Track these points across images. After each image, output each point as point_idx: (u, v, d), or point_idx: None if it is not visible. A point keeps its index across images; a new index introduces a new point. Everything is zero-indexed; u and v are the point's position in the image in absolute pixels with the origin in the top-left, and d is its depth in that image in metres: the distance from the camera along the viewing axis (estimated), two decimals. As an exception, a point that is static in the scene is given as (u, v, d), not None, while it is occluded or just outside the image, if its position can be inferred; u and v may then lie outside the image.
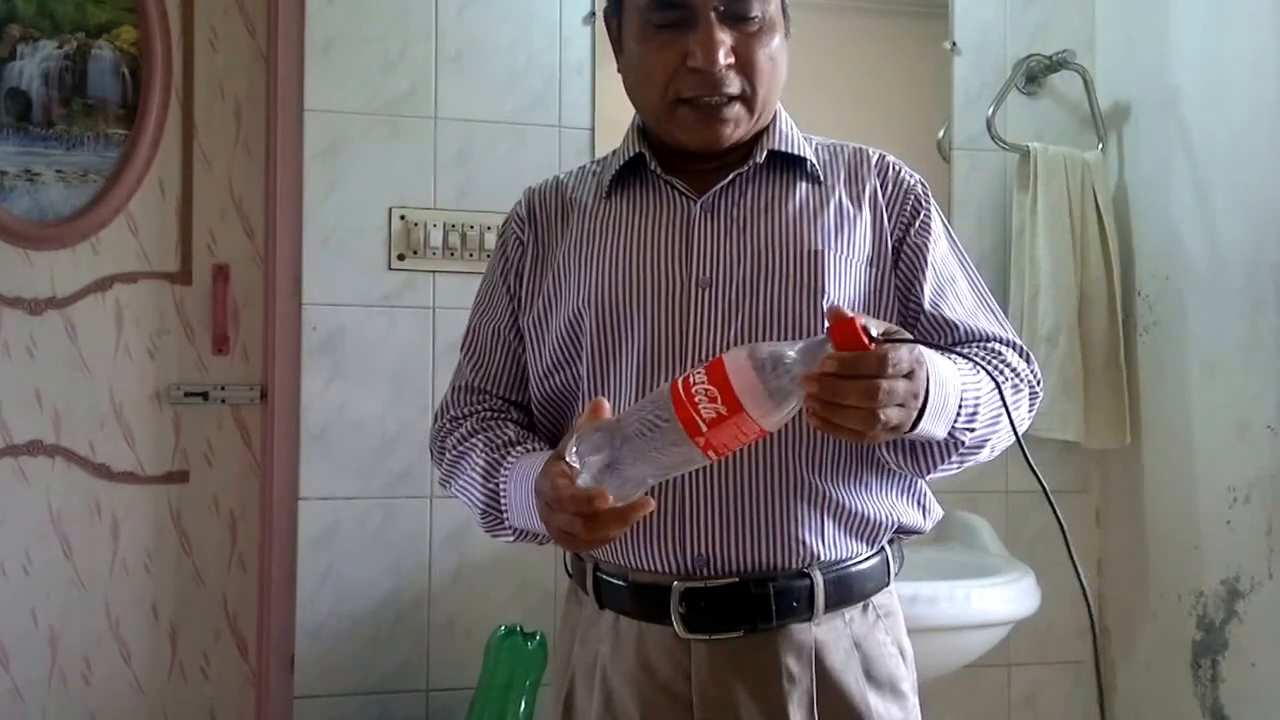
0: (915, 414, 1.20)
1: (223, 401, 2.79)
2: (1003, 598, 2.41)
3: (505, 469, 1.47)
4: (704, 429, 1.13)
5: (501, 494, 1.46)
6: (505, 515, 1.47)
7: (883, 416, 1.13)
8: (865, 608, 1.48)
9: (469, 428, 1.57)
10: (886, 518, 1.47)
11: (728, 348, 1.35)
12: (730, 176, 1.48)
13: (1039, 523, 2.90)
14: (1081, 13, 3.04)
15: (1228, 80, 2.61)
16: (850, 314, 1.13)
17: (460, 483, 1.54)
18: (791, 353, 1.13)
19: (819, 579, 1.42)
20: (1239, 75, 2.57)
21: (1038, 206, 2.87)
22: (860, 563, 1.47)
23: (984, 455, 1.41)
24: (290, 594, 2.67)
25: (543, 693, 2.44)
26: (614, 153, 1.59)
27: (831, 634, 1.44)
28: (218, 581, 2.81)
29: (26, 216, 2.72)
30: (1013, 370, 1.45)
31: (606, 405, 1.24)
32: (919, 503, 1.53)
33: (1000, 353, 1.47)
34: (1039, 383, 1.50)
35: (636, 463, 1.16)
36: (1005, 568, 2.53)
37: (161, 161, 2.78)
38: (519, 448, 1.49)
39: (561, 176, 1.65)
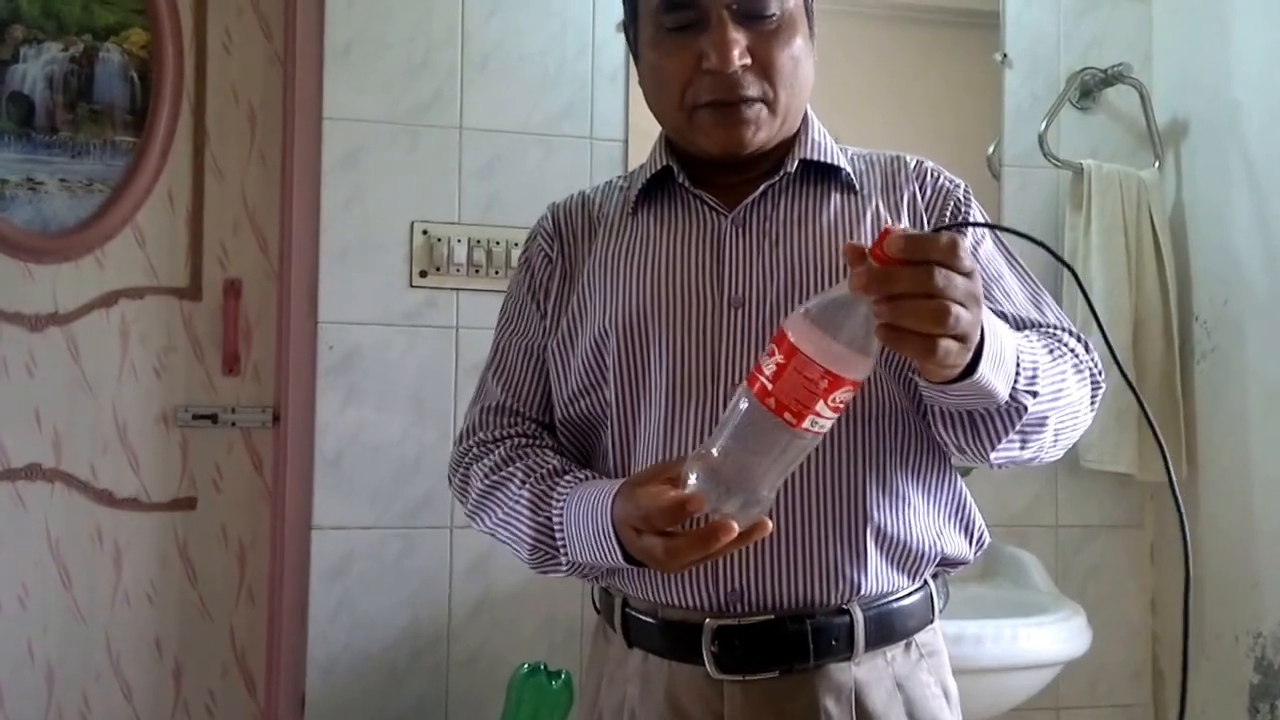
0: (975, 345, 1.11)
1: (233, 424, 2.75)
2: (1052, 637, 2.37)
3: (559, 500, 1.41)
4: (798, 412, 1.08)
5: (556, 527, 1.41)
6: (562, 549, 1.41)
7: (953, 311, 1.04)
8: (908, 646, 1.43)
9: (502, 455, 1.52)
10: (931, 548, 1.43)
11: None
12: (761, 189, 1.45)
13: (1090, 558, 2.89)
14: (1138, 25, 3.00)
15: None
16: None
17: (499, 516, 1.48)
18: (840, 290, 1.08)
19: (859, 615, 1.38)
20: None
21: (1091, 227, 2.83)
22: (903, 598, 1.42)
23: (1047, 438, 1.33)
24: (302, 628, 2.63)
25: None
26: (641, 167, 1.56)
27: (873, 674, 1.39)
28: (225, 615, 2.76)
29: (28, 227, 2.68)
30: (1072, 353, 1.40)
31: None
32: (965, 529, 1.48)
33: (1057, 336, 1.42)
34: (1100, 373, 1.43)
35: (750, 478, 1.12)
36: (1054, 606, 2.49)
37: (171, 171, 2.74)
38: (567, 477, 1.44)
39: (588, 192, 1.62)
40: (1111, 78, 2.91)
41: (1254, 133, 2.67)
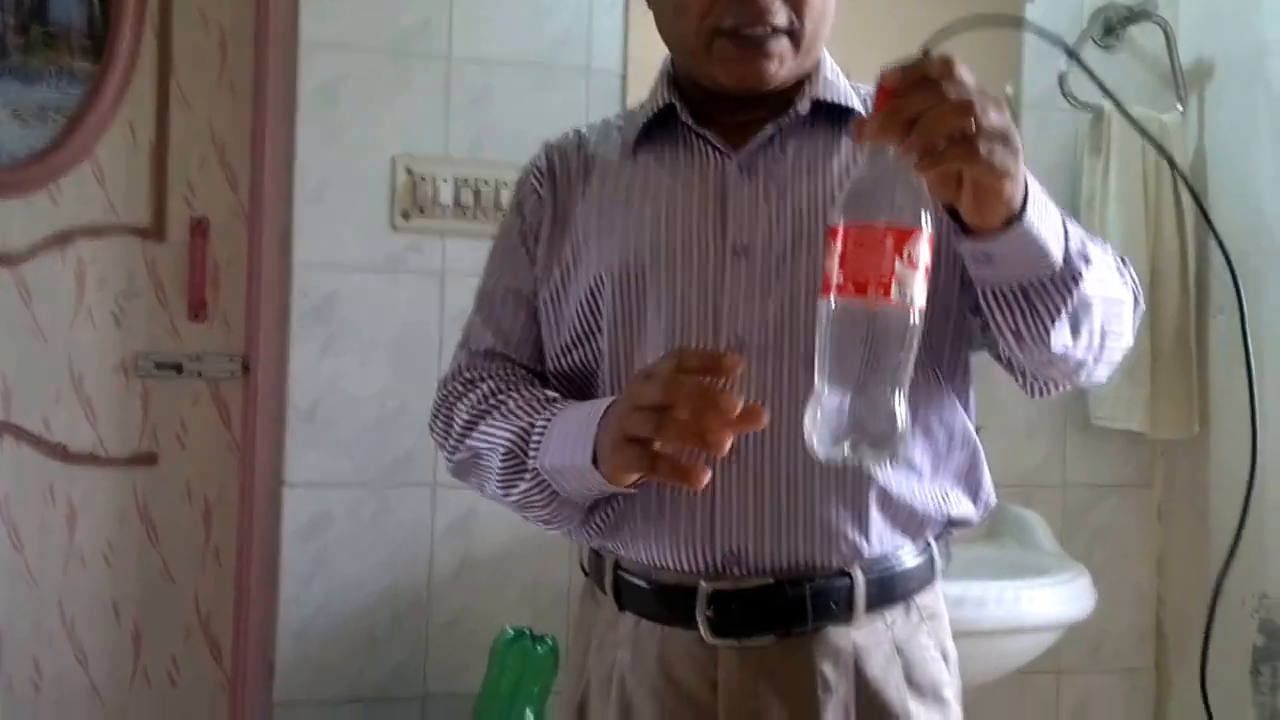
0: (1020, 166, 1.08)
1: (199, 374, 2.66)
2: (1055, 600, 2.37)
3: (550, 410, 1.38)
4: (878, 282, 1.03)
5: (535, 430, 1.36)
6: (531, 454, 1.36)
7: (975, 103, 1.01)
8: (908, 609, 1.41)
9: (492, 386, 1.46)
10: (937, 510, 1.40)
11: (765, 323, 1.33)
12: (770, 130, 1.38)
13: (1098, 519, 2.87)
14: (1164, -43, 2.92)
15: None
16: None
17: (479, 432, 1.43)
18: (861, 166, 1.08)
19: (860, 578, 1.35)
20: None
21: (1110, 173, 2.76)
22: (905, 560, 1.40)
23: (1096, 329, 1.26)
24: (271, 591, 2.57)
25: (552, 701, 2.36)
26: (641, 105, 1.48)
27: (872, 638, 1.37)
28: (189, 577, 2.67)
29: (-25, 160, 2.56)
30: (1115, 258, 1.34)
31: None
32: (972, 489, 1.44)
33: (1097, 240, 1.35)
34: (1140, 291, 1.37)
35: (869, 398, 1.05)
36: (1059, 567, 2.48)
37: (133, 100, 2.63)
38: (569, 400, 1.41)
39: (583, 130, 1.54)
40: (1136, 14, 2.82)
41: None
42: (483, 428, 1.42)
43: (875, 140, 1.04)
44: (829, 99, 1.41)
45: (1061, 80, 2.77)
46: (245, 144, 2.67)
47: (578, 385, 1.46)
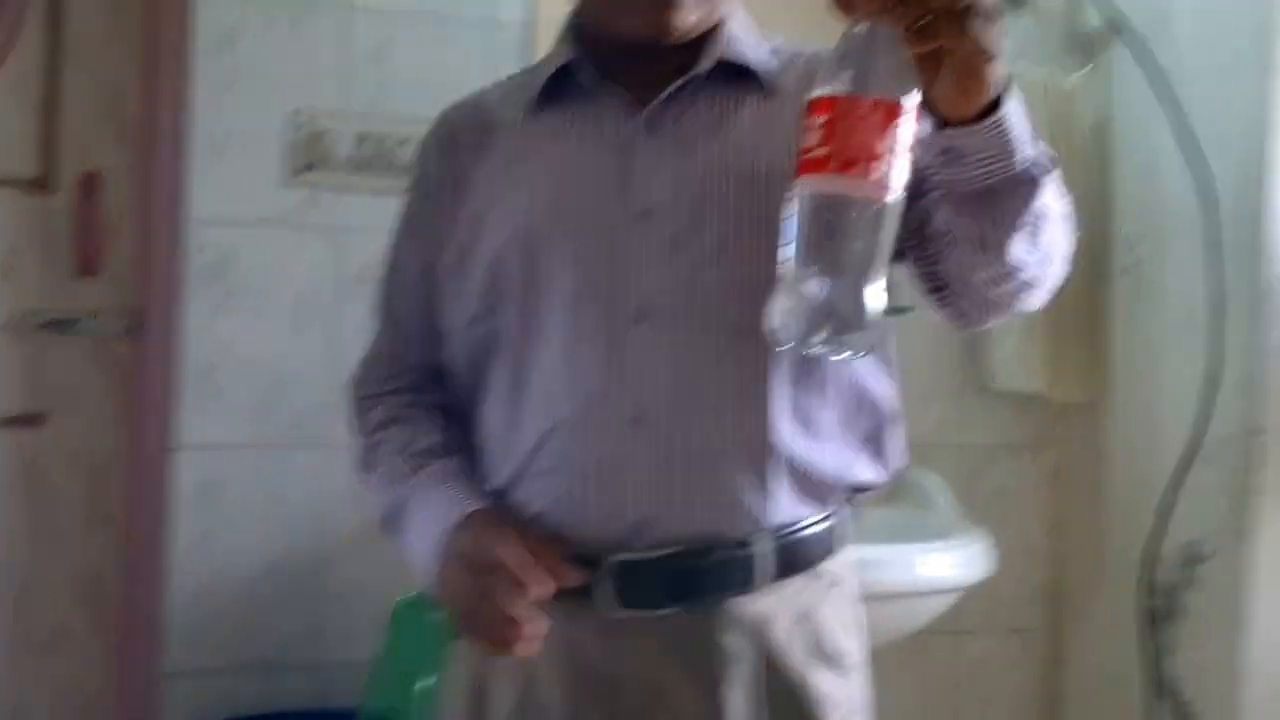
0: (1004, 62, 1.06)
1: (89, 333, 2.58)
2: (954, 562, 2.40)
3: (413, 484, 1.43)
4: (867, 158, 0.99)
5: (403, 508, 1.43)
6: (397, 534, 1.44)
7: None
8: (813, 576, 1.40)
9: (382, 415, 1.50)
10: (841, 477, 1.40)
11: (669, 288, 1.31)
12: (673, 86, 1.35)
13: (996, 480, 2.89)
14: (1070, -82, 2.92)
15: (1220, 2, 2.50)
16: None
17: (373, 475, 1.50)
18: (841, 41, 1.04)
19: (765, 547, 1.35)
20: (1231, -2, 2.47)
21: None
22: (810, 527, 1.39)
23: (1050, 241, 1.23)
24: (162, 557, 2.50)
25: (450, 667, 2.30)
26: (543, 61, 1.45)
27: (777, 606, 1.37)
28: (76, 541, 2.62)
29: None
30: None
31: None
32: (879, 452, 1.44)
33: None
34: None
35: (839, 283, 1.01)
36: (958, 530, 2.51)
37: (21, 48, 2.55)
38: (431, 466, 1.43)
39: (487, 89, 1.52)
40: (1044, -24, 2.81)
41: (1183, 38, 2.60)
42: (377, 472, 1.48)
43: (864, 12, 1.00)
44: (735, 58, 1.38)
45: (966, 44, 2.75)
46: (139, 95, 2.58)
47: (476, 364, 1.44)
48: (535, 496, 1.35)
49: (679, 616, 1.34)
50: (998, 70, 1.06)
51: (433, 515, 1.36)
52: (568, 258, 1.35)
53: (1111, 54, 2.82)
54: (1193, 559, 2.51)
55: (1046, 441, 2.96)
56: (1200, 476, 2.50)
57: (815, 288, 1.00)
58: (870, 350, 1.09)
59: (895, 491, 2.69)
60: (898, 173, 1.00)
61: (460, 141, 1.47)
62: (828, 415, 1.37)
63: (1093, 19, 2.84)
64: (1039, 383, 2.75)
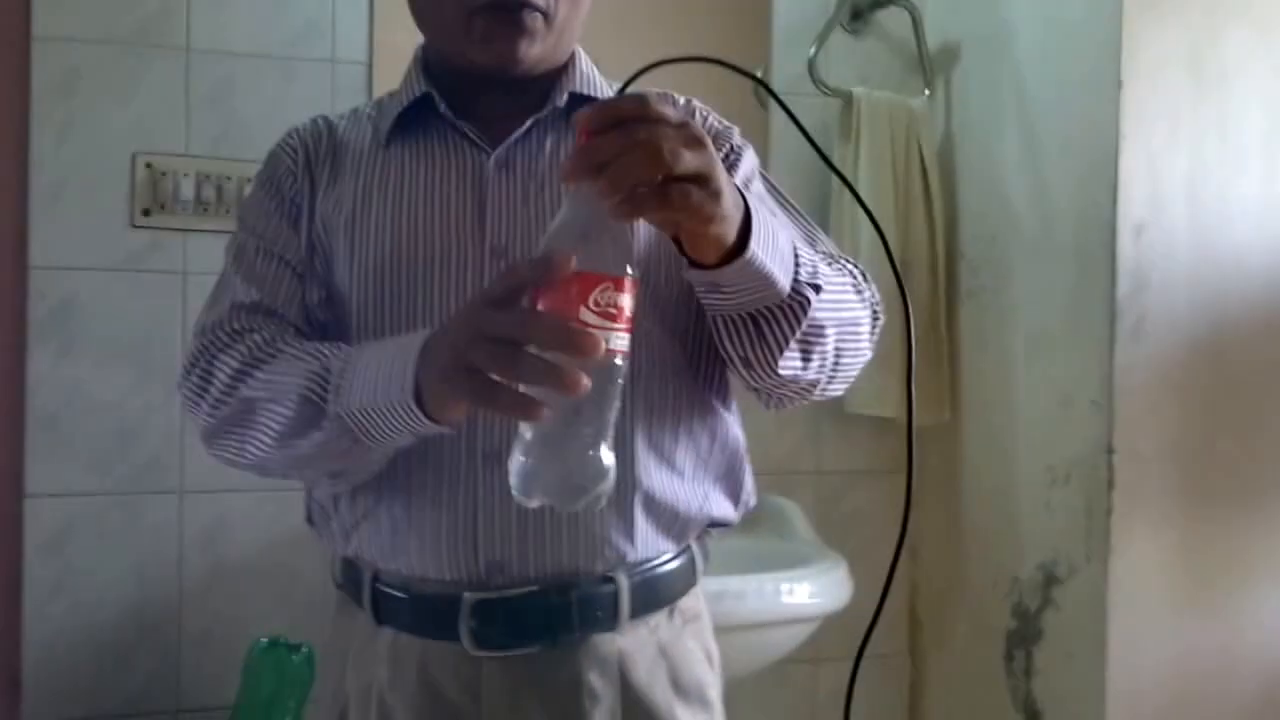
0: (731, 204, 1.06)
1: None
2: (814, 590, 2.38)
3: (341, 351, 1.28)
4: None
5: (332, 372, 1.25)
6: (330, 395, 1.24)
7: (665, 148, 0.97)
8: (671, 612, 1.42)
9: (266, 336, 1.34)
10: (699, 512, 1.42)
11: None
12: (527, 125, 1.37)
13: (852, 504, 2.89)
14: (911, -59, 2.95)
15: (1064, 19, 2.52)
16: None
17: (255, 380, 1.30)
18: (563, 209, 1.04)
19: (624, 583, 1.36)
20: (1075, 14, 2.48)
21: (860, 159, 2.76)
22: (667, 563, 1.40)
23: (829, 352, 1.27)
24: (16, 606, 2.45)
25: (309, 710, 2.33)
26: (392, 95, 1.45)
27: (636, 643, 1.38)
28: None
29: None
30: (852, 275, 1.35)
31: None
32: (732, 490, 1.46)
33: (836, 259, 1.37)
34: (879, 306, 1.39)
35: (569, 446, 1.02)
36: (816, 557, 2.48)
37: None
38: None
39: (331, 119, 1.48)
40: (883, -1, 2.85)
41: (1026, 57, 2.62)
42: (260, 375, 1.30)
43: (564, 178, 1.00)
44: (585, 92, 1.39)
45: (811, 66, 2.75)
46: (-25, 141, 2.53)
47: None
48: (390, 534, 1.33)
49: (540, 655, 1.33)
50: (719, 228, 1.06)
51: (386, 352, 1.20)
52: (421, 295, 1.33)
53: (956, 75, 2.84)
54: (1050, 580, 2.52)
55: (903, 466, 2.94)
56: (1056, 497, 2.52)
57: (541, 452, 1.01)
58: (599, 503, 1.05)
59: (755, 519, 2.62)
60: (603, 334, 0.98)
61: (313, 153, 1.44)
62: (684, 452, 1.39)
63: (935, 40, 2.86)
64: (892, 407, 2.73)
